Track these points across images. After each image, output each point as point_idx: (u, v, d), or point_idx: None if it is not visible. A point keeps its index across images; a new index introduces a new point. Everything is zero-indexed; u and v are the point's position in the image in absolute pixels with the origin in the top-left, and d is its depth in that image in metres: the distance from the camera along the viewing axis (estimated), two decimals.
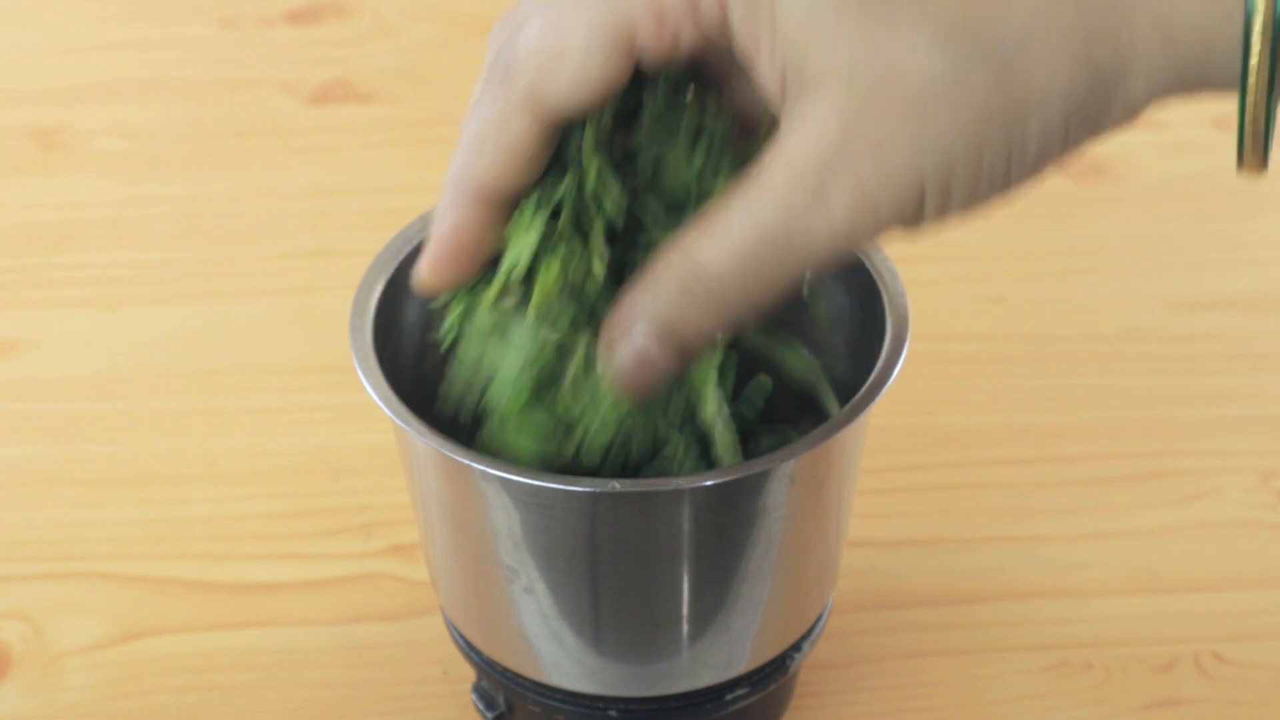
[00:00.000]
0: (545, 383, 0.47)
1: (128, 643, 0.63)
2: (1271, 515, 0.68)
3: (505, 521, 0.48)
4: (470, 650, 0.55)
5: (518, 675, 0.54)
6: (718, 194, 0.46)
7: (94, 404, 0.74)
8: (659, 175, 0.48)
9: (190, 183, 0.87)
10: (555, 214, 0.47)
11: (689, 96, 0.48)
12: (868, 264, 0.54)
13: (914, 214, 0.42)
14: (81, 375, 0.75)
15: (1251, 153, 0.42)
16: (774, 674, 0.55)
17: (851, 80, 0.41)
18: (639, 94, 0.47)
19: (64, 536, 0.67)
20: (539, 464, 0.48)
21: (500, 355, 0.47)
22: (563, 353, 0.47)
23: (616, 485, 0.46)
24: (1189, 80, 0.42)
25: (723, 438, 0.49)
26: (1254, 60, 0.40)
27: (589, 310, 0.47)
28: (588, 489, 0.46)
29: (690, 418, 0.49)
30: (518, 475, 0.46)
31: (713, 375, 0.48)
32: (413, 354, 0.55)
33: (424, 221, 0.55)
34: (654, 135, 0.47)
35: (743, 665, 0.53)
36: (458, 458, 0.47)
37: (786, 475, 0.48)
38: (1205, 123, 0.89)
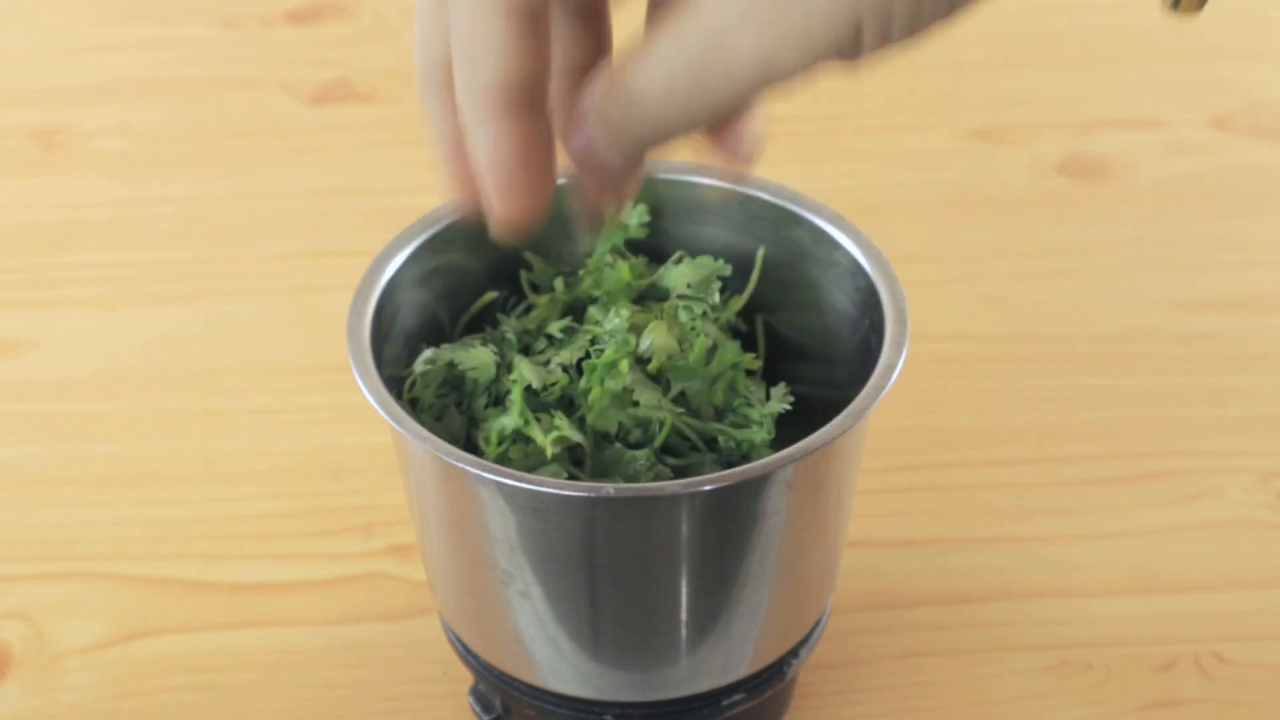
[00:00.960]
0: None
1: (128, 643, 0.63)
2: (1271, 515, 0.68)
3: (501, 525, 0.48)
4: (467, 654, 0.55)
5: (514, 679, 0.54)
6: None
7: (94, 404, 0.74)
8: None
9: (190, 183, 0.87)
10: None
11: None
12: (868, 265, 0.54)
13: (851, 48, 0.40)
14: (81, 375, 0.75)
15: None
16: (771, 679, 0.55)
17: None
18: None
19: (64, 536, 0.67)
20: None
21: None
22: None
23: (611, 490, 0.46)
24: None
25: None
26: None
27: None
28: (583, 493, 0.46)
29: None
30: (513, 479, 0.46)
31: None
32: (412, 354, 0.55)
33: (424, 222, 0.55)
34: None
35: (740, 671, 0.53)
36: (454, 461, 0.47)
37: (784, 480, 0.48)
38: (1205, 123, 0.89)
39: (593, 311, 0.55)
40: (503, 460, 0.50)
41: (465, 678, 0.59)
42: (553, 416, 0.51)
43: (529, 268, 0.58)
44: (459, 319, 0.57)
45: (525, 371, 0.52)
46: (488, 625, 0.53)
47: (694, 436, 0.52)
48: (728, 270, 0.56)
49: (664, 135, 0.42)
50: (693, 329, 0.54)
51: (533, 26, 0.41)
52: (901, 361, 0.50)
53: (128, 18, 1.01)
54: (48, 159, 0.89)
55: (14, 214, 0.85)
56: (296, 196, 0.86)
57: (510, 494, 0.47)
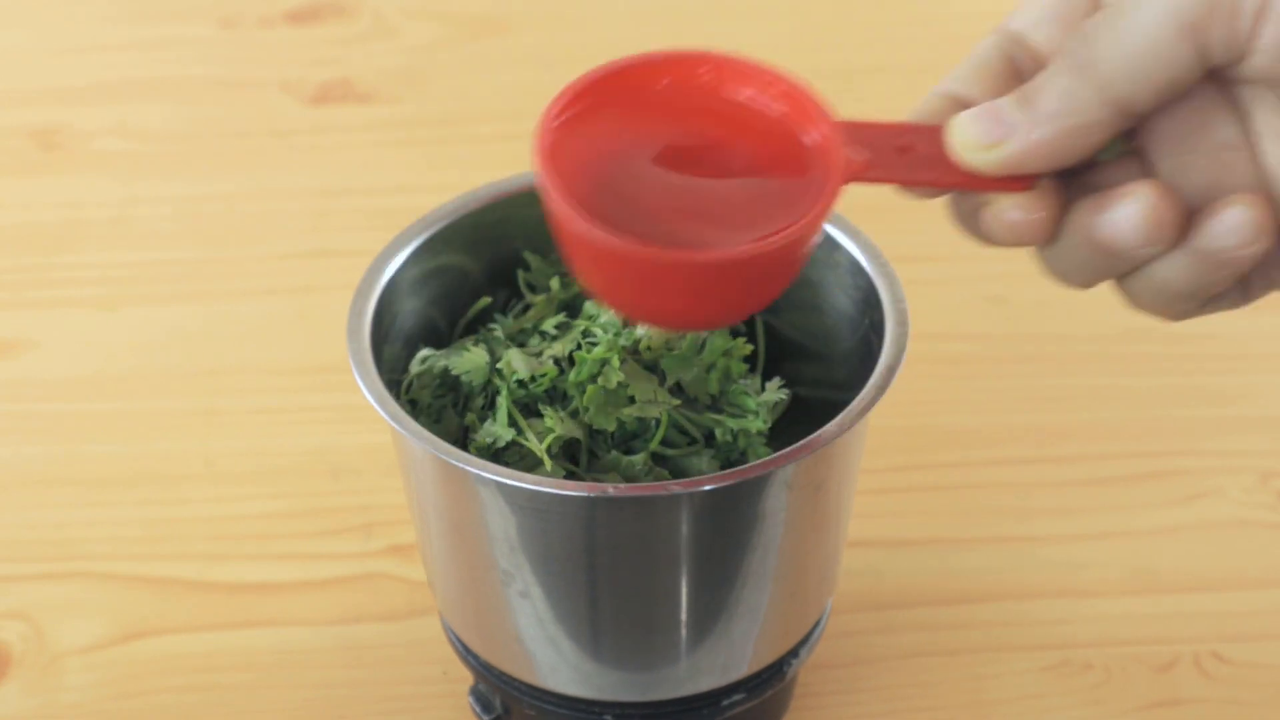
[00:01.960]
0: None
1: (128, 643, 0.63)
2: (1271, 515, 0.68)
3: (501, 525, 0.48)
4: (467, 654, 0.55)
5: (514, 679, 0.54)
6: None
7: (94, 404, 0.74)
8: None
9: (190, 183, 0.87)
10: None
11: None
12: (868, 265, 0.54)
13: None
14: (81, 375, 0.75)
15: None
16: (771, 679, 0.55)
17: None
18: None
19: (64, 536, 0.67)
20: None
21: None
22: None
23: (612, 490, 0.46)
24: None
25: None
26: None
27: None
28: (583, 493, 0.46)
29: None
30: (513, 479, 0.46)
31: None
32: (411, 355, 0.55)
33: (424, 223, 0.55)
34: None
35: (740, 671, 0.53)
36: (454, 461, 0.47)
37: (784, 480, 0.48)
38: None
39: (588, 306, 0.55)
40: (499, 462, 0.50)
41: (465, 678, 0.59)
42: (543, 417, 0.51)
43: (527, 267, 0.58)
44: (457, 320, 0.57)
45: (515, 361, 0.52)
46: (488, 625, 0.53)
47: (691, 429, 0.52)
48: None
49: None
50: None
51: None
52: (901, 361, 0.50)
53: (128, 18, 1.01)
54: (48, 159, 0.89)
55: (14, 214, 0.85)
56: (296, 196, 0.86)
57: (510, 494, 0.47)
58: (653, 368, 0.53)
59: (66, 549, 0.67)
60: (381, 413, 0.48)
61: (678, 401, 0.52)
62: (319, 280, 0.80)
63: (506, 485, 0.46)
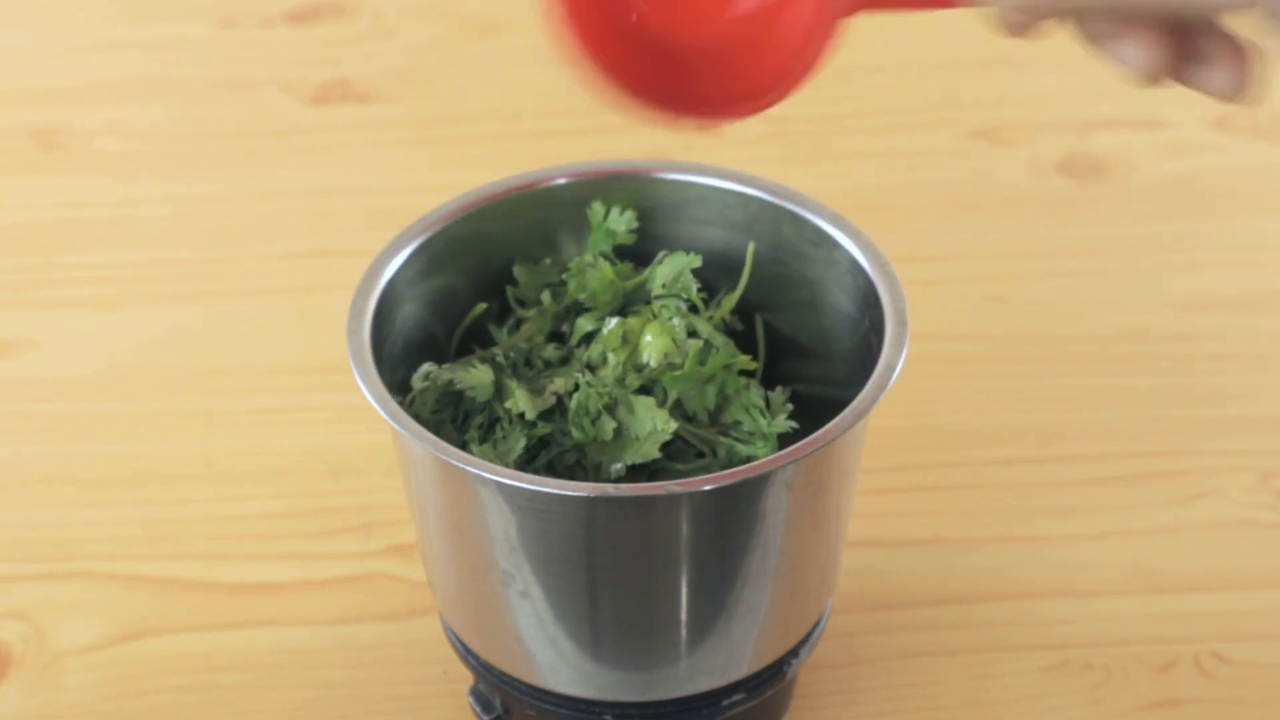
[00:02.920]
0: None
1: (128, 643, 0.63)
2: (1271, 515, 0.68)
3: (501, 525, 0.48)
4: (467, 654, 0.55)
5: (514, 679, 0.54)
6: None
7: (94, 404, 0.74)
8: None
9: (190, 183, 0.87)
10: None
11: None
12: (867, 265, 0.54)
13: None
14: (81, 375, 0.75)
15: None
16: (771, 679, 0.55)
17: None
18: None
19: (64, 536, 0.67)
20: None
21: None
22: None
23: (612, 490, 0.46)
24: None
25: None
26: None
27: None
28: (583, 493, 0.46)
29: None
30: (513, 479, 0.46)
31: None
32: (409, 356, 0.55)
33: (424, 223, 0.55)
34: None
35: (740, 671, 0.53)
36: (454, 461, 0.47)
37: (784, 480, 0.48)
38: (1205, 123, 0.89)
39: (580, 323, 0.55)
40: None
41: (465, 678, 0.59)
42: (549, 447, 0.52)
43: (515, 283, 0.57)
44: (455, 324, 0.57)
45: (521, 402, 0.52)
46: (488, 625, 0.53)
47: (697, 443, 0.52)
48: (698, 262, 0.56)
49: None
50: (690, 332, 0.54)
51: None
52: (901, 361, 0.50)
53: (128, 18, 1.01)
54: (48, 159, 0.89)
55: (14, 214, 0.85)
56: (296, 196, 0.86)
57: (510, 494, 0.47)
58: (651, 388, 0.53)
59: (66, 549, 0.67)
60: (381, 413, 0.48)
61: (676, 425, 0.52)
62: (319, 280, 0.80)
63: (506, 485, 0.46)
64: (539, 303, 0.57)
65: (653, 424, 0.51)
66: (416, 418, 0.53)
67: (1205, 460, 0.70)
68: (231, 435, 0.72)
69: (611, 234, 0.57)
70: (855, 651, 0.63)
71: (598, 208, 0.57)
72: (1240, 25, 0.42)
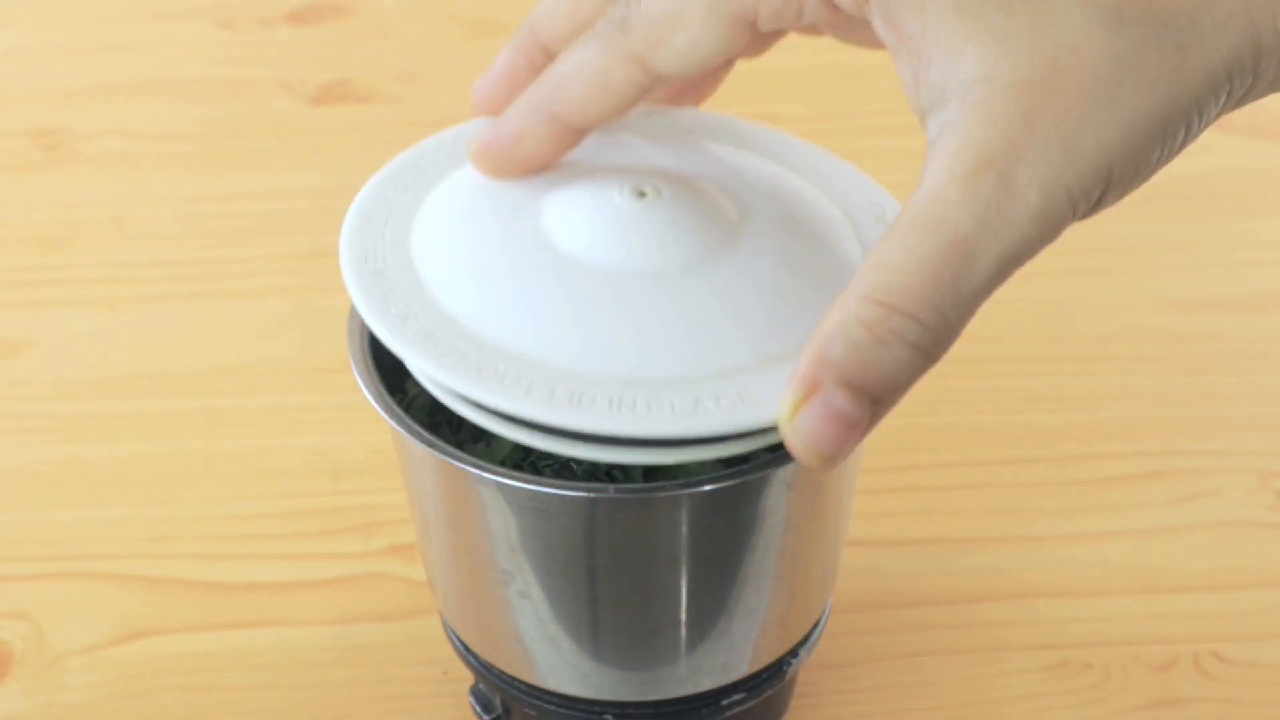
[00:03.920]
0: None
1: (128, 643, 0.63)
2: (1271, 515, 0.68)
3: (501, 525, 0.48)
4: (467, 653, 0.55)
5: (514, 679, 0.54)
6: None
7: (94, 404, 0.74)
8: None
9: (190, 183, 0.87)
10: None
11: None
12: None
13: (1093, 204, 0.40)
14: (81, 375, 0.75)
15: None
16: (771, 679, 0.55)
17: (1027, 65, 0.38)
18: None
19: (64, 536, 0.67)
20: None
21: None
22: None
23: (612, 489, 0.46)
24: None
25: None
26: None
27: None
28: (584, 493, 0.46)
29: None
30: (513, 479, 0.46)
31: None
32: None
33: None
34: None
35: (740, 670, 0.53)
36: (454, 461, 0.47)
37: (784, 480, 0.48)
38: None
39: None
40: None
41: (465, 678, 0.59)
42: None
43: None
44: None
45: None
46: (487, 625, 0.53)
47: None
48: None
49: (935, 348, 0.40)
50: None
51: (615, 108, 0.45)
52: None
53: (128, 18, 1.01)
54: (48, 159, 0.89)
55: (14, 214, 0.85)
56: (296, 196, 0.86)
57: (510, 494, 0.47)
58: None
59: (66, 549, 0.67)
60: (381, 412, 0.48)
61: None
62: (319, 280, 0.80)
63: (506, 485, 0.46)
64: None
65: None
66: (415, 418, 0.53)
67: (1205, 460, 0.70)
68: (231, 435, 0.72)
69: None
70: (855, 651, 0.63)
71: None
72: None
